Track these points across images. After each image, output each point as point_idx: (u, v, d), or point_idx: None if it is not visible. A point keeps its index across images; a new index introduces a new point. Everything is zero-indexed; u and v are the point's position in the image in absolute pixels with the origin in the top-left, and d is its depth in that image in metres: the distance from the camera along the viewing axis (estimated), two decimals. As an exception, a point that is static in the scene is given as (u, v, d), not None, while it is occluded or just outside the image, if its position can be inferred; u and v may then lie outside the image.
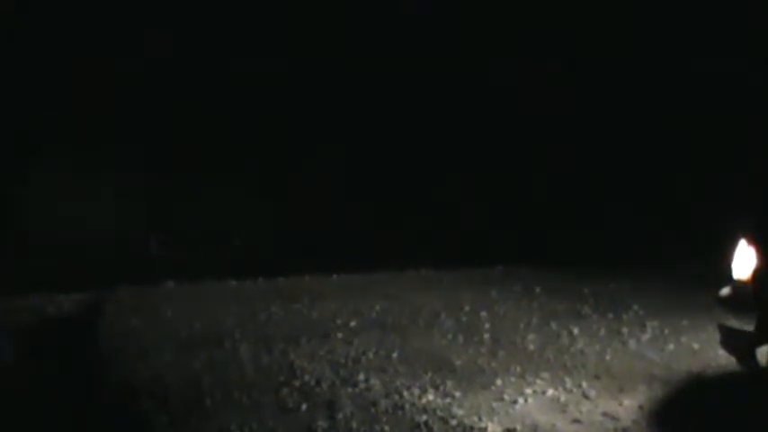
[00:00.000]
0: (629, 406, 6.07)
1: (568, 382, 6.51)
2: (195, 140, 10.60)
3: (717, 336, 6.52)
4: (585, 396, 6.27)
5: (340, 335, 7.61)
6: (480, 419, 5.79)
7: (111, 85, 10.35)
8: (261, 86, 10.96)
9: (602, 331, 7.93)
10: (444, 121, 11.61)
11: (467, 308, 8.59)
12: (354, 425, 5.66)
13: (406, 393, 6.22)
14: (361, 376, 6.54)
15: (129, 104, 10.42)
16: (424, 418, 5.78)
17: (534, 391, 6.33)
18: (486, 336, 7.66)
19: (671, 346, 7.48)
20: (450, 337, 7.62)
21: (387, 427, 5.65)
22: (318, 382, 6.40)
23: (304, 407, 5.94)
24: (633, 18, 12.02)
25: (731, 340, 6.29)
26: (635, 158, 11.81)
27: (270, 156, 10.96)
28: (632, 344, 7.57)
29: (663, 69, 12.03)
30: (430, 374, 6.61)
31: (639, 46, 12.00)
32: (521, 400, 6.15)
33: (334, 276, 9.81)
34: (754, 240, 6.13)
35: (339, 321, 8.05)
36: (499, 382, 6.50)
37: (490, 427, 5.69)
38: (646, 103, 12.02)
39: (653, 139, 11.98)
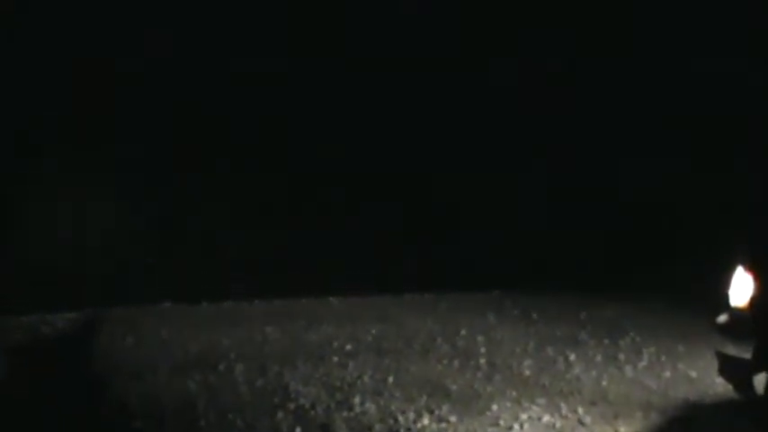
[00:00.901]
0: (624, 433, 6.10)
1: (564, 408, 6.52)
2: (195, 140, 10.58)
3: (714, 363, 6.50)
4: (581, 422, 6.27)
5: (336, 358, 7.62)
6: (475, 445, 5.84)
7: (111, 85, 10.33)
8: (261, 86, 10.94)
9: (599, 357, 7.92)
10: (444, 121, 11.60)
11: (463, 332, 8.59)
12: (349, 449, 5.71)
13: (401, 418, 6.23)
14: (357, 400, 6.56)
15: (129, 104, 10.41)
16: (420, 443, 5.81)
17: (530, 417, 6.33)
18: (483, 360, 7.66)
19: (667, 373, 7.47)
20: (446, 361, 7.62)
21: (382, 453, 5.70)
22: (313, 406, 6.42)
23: (298, 430, 5.96)
24: (633, 18, 11.98)
25: (728, 368, 6.27)
26: (635, 158, 11.80)
27: (270, 156, 10.94)
28: (629, 370, 7.56)
29: (663, 69, 11.99)
30: (425, 399, 6.61)
31: (639, 46, 11.96)
32: (516, 426, 6.16)
33: (331, 299, 9.81)
34: (751, 267, 6.13)
35: (335, 344, 8.05)
36: (495, 407, 6.50)
37: (485, 453, 5.74)
38: (646, 103, 11.99)
39: (653, 139, 11.96)
